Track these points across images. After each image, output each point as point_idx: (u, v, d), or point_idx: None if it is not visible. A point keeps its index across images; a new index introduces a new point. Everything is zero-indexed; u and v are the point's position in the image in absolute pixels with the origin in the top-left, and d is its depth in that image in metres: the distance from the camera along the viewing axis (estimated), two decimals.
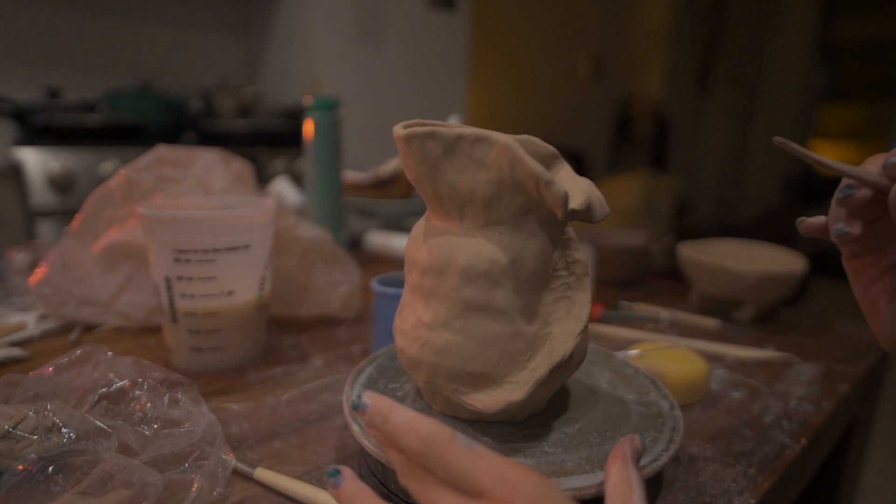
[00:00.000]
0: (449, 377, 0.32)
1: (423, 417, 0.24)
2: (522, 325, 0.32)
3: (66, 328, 0.57)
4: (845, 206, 0.29)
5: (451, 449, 0.23)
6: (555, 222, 0.32)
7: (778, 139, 0.30)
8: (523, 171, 0.29)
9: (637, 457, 0.28)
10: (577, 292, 0.33)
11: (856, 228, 0.29)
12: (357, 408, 0.25)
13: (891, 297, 0.31)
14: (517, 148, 0.28)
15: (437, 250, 0.32)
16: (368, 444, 0.30)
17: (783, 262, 0.68)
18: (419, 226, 0.35)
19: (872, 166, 0.28)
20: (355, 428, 0.32)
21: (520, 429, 0.34)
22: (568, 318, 0.32)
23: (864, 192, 0.28)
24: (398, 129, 0.31)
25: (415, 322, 0.33)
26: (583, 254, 0.33)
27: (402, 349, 0.34)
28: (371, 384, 0.38)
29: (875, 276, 0.32)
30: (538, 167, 0.29)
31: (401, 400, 0.37)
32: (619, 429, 0.34)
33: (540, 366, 0.31)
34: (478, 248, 0.31)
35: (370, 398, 0.25)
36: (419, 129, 0.30)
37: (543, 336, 0.32)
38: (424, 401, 0.37)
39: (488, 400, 0.31)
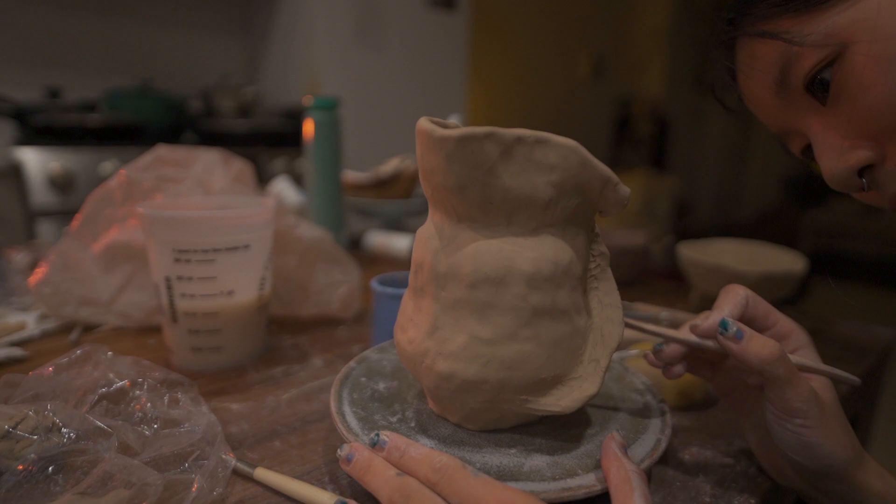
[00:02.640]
0: (519, 389, 0.31)
1: (436, 451, 0.28)
2: (578, 320, 0.32)
3: (66, 328, 0.57)
4: (661, 360, 0.35)
5: (462, 476, 0.27)
6: (590, 219, 0.33)
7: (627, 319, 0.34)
8: (592, 172, 0.29)
9: (624, 449, 0.29)
10: (602, 282, 0.34)
11: (674, 372, 0.35)
12: (376, 445, 0.30)
13: (765, 435, 0.33)
14: (584, 150, 0.29)
15: (490, 260, 0.30)
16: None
17: (783, 262, 0.68)
18: (432, 236, 0.32)
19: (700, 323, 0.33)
20: (341, 428, 0.33)
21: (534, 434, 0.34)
22: (604, 307, 0.33)
23: (673, 348, 0.34)
24: (437, 130, 0.28)
25: (465, 341, 0.31)
26: (605, 247, 0.34)
27: (453, 373, 0.31)
28: (357, 388, 0.39)
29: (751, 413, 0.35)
30: (607, 168, 0.30)
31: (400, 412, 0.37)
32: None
33: (601, 355, 0.32)
34: (538, 252, 0.30)
35: (388, 436, 0.30)
36: (477, 130, 0.27)
37: (588, 327, 0.33)
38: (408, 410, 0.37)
39: (563, 401, 0.31)
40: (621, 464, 0.28)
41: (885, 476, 0.31)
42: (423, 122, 0.29)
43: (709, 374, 0.37)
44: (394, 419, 0.36)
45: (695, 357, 0.36)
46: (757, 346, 0.29)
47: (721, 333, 0.30)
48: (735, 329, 0.30)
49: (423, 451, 0.29)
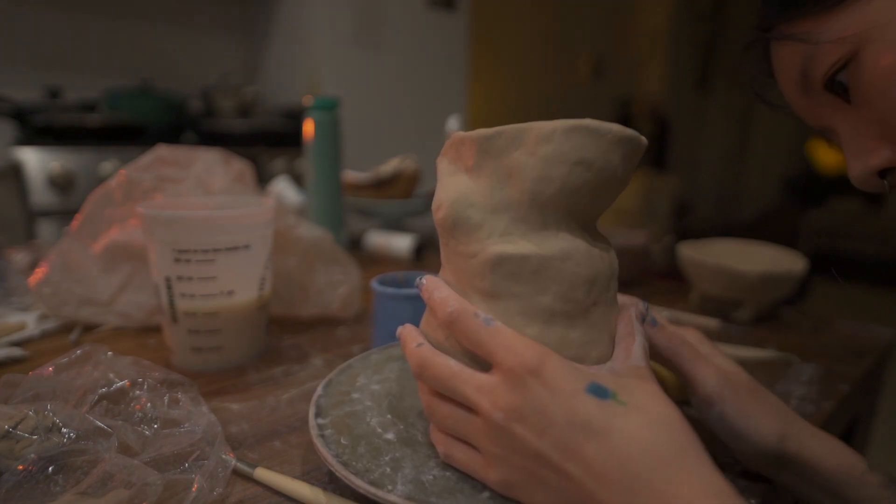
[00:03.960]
0: None
1: (455, 296, 0.30)
2: None
3: (66, 328, 0.57)
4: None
5: (473, 324, 0.28)
6: None
7: None
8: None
9: (642, 317, 0.32)
10: None
11: None
12: (417, 285, 0.32)
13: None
14: None
15: (593, 263, 0.30)
16: (329, 458, 0.31)
17: (783, 262, 0.68)
18: (583, 248, 0.30)
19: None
20: (319, 444, 0.32)
21: None
22: None
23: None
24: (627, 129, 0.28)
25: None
26: None
27: None
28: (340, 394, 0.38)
29: None
30: None
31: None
32: None
33: None
34: (608, 249, 0.32)
35: (427, 279, 0.32)
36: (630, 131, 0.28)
37: None
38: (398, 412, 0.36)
39: None
40: (631, 322, 0.31)
41: (838, 452, 0.32)
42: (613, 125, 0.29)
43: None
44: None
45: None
46: (665, 334, 0.34)
47: (643, 319, 0.34)
48: (652, 317, 0.35)
49: (442, 295, 0.30)
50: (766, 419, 0.32)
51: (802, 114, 0.35)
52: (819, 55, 0.30)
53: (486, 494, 0.29)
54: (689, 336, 0.37)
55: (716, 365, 0.33)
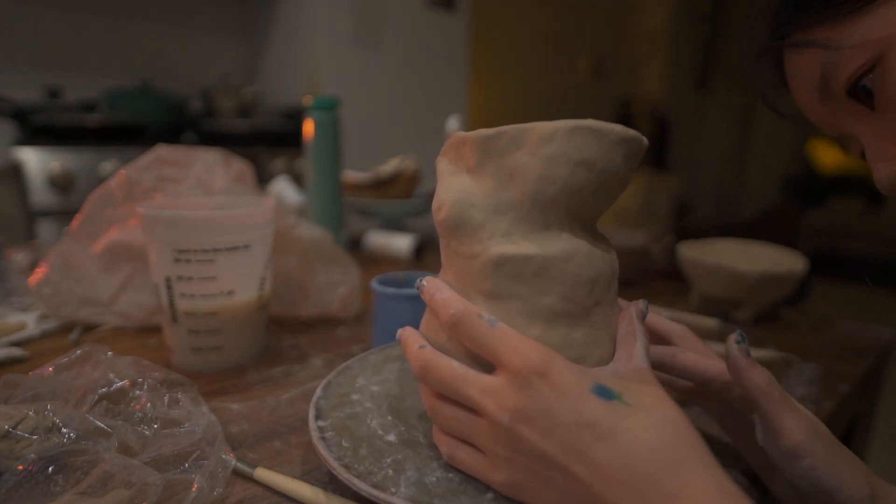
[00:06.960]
0: None
1: (457, 297, 0.29)
2: None
3: (66, 328, 0.57)
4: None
5: (477, 325, 0.28)
6: None
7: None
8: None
9: (642, 316, 0.32)
10: None
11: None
12: (418, 287, 0.32)
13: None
14: None
15: (595, 263, 0.30)
16: (329, 459, 0.31)
17: (783, 262, 0.68)
18: (586, 249, 0.30)
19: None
20: (319, 446, 0.32)
21: None
22: None
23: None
24: (628, 129, 0.28)
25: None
26: None
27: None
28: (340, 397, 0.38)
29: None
30: None
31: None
32: None
33: None
34: (609, 250, 0.32)
35: (427, 281, 0.32)
36: (633, 132, 0.28)
37: None
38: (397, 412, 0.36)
39: None
40: (632, 321, 0.30)
41: None
42: (618, 127, 0.29)
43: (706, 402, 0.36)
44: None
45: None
46: (758, 370, 0.31)
47: (738, 342, 0.31)
48: (747, 347, 0.31)
49: (445, 297, 0.30)
50: (856, 476, 0.29)
51: (819, 122, 0.34)
52: (841, 61, 0.29)
53: (489, 496, 0.29)
54: (678, 332, 0.36)
55: (802, 412, 0.31)
